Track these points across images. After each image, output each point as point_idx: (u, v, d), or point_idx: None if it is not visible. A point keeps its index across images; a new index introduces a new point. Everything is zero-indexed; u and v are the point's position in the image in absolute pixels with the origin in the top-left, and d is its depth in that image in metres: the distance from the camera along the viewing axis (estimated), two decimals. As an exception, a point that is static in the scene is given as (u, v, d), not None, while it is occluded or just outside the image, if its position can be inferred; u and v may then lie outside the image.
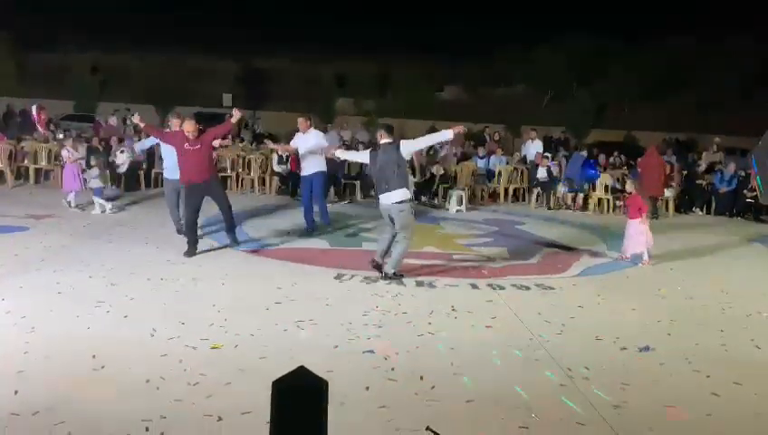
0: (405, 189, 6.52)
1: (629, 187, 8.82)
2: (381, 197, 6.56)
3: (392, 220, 6.59)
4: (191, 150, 7.18)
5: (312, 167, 8.83)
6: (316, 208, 9.00)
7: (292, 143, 9.18)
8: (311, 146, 8.73)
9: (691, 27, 35.01)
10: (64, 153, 10.43)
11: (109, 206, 9.79)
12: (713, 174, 13.22)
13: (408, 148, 6.72)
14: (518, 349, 4.92)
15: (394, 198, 6.43)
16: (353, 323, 5.28)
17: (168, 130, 8.28)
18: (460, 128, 6.75)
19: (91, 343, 4.59)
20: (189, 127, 7.20)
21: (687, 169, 13.95)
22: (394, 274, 6.61)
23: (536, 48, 35.44)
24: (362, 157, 7.21)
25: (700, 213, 12.84)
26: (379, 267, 6.68)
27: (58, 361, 4.28)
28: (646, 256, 7.96)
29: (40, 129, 11.78)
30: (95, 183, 9.83)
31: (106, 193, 10.26)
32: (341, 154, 8.06)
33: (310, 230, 8.82)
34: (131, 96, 28.65)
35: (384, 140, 6.60)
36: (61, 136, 12.81)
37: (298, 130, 9.06)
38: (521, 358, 4.76)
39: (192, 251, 7.24)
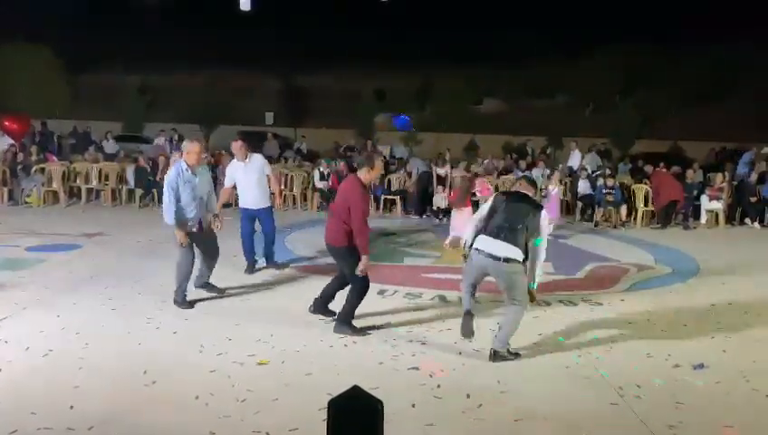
0: (521, 251, 4.86)
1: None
2: (488, 245, 4.87)
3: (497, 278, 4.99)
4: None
5: (257, 199, 7.39)
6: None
7: (228, 176, 7.49)
8: (254, 176, 7.32)
9: (737, 32, 34.09)
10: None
11: None
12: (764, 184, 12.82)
13: (542, 225, 4.98)
14: (566, 366, 4.83)
15: (507, 252, 4.79)
16: (397, 340, 5.27)
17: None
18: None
19: (143, 358, 4.69)
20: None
21: (738, 180, 13.52)
22: (507, 351, 5.00)
23: (577, 58, 35.01)
24: (486, 207, 5.19)
25: (753, 225, 12.41)
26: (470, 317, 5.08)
27: (111, 376, 4.39)
28: None
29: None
30: None
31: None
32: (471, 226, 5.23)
33: (252, 266, 7.50)
34: (176, 116, 29.36)
35: (524, 190, 5.19)
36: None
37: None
38: (569, 376, 4.66)
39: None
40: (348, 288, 5.55)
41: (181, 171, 5.92)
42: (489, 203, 5.14)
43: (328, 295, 5.81)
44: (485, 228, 4.93)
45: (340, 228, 5.35)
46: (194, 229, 5.99)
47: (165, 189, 5.92)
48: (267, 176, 7.52)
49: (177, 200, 5.83)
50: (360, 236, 5.27)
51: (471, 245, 5.01)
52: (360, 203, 5.28)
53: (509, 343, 4.98)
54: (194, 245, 6.06)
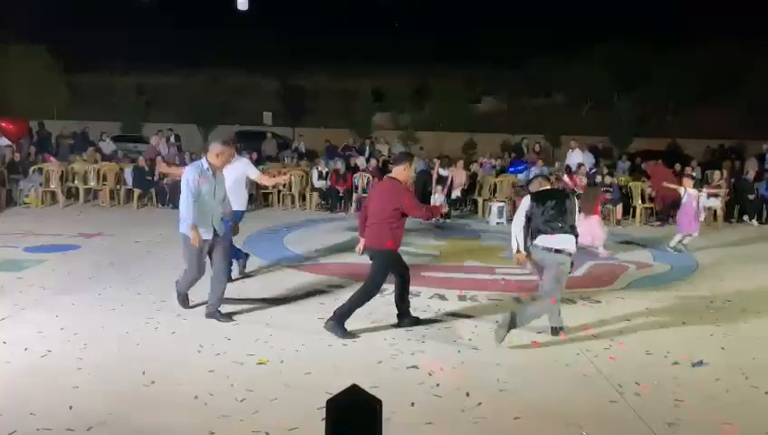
0: (572, 238, 5.28)
1: None
2: (549, 241, 5.24)
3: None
4: None
5: (232, 204, 6.32)
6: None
7: None
8: (230, 177, 6.42)
9: (736, 31, 34.11)
10: None
11: None
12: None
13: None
14: (565, 364, 4.83)
15: (562, 244, 5.21)
16: (396, 339, 5.27)
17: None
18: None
19: (141, 359, 4.68)
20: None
21: (736, 178, 13.54)
22: (507, 331, 5.15)
23: (576, 57, 35.02)
24: (524, 208, 5.54)
25: (752, 223, 12.43)
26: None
27: (110, 377, 4.39)
28: None
29: None
30: None
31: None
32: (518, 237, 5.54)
33: (243, 264, 7.23)
34: (175, 115, 29.34)
35: (546, 186, 5.67)
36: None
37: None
38: (568, 374, 4.66)
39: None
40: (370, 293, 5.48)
41: (202, 171, 5.45)
42: (525, 208, 5.47)
43: (402, 302, 5.70)
44: (541, 229, 5.29)
45: (384, 229, 5.32)
46: (207, 237, 5.52)
47: (184, 190, 5.37)
48: (250, 179, 7.05)
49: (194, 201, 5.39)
50: (426, 216, 5.61)
51: (525, 245, 5.43)
52: (408, 195, 5.38)
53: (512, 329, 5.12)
54: (204, 257, 5.67)
